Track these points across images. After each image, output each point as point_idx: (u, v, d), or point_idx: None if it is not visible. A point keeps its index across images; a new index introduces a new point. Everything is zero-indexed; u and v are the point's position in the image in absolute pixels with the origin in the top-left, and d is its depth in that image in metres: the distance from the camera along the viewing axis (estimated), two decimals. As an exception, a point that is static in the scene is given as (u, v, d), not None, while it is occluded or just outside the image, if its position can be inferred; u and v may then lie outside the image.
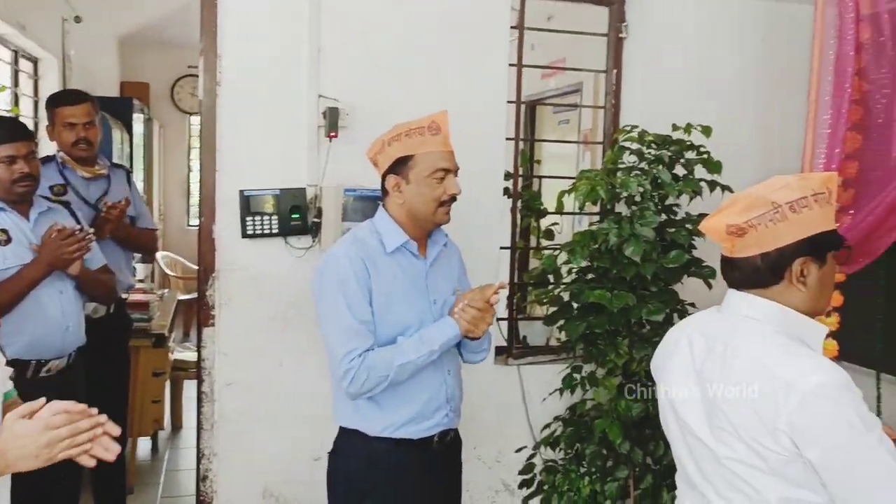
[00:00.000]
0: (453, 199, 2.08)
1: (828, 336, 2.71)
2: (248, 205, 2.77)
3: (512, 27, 3.05)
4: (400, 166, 2.05)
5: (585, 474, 2.66)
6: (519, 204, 3.19)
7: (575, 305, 2.71)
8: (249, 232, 2.78)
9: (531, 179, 3.78)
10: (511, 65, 3.07)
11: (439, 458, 2.15)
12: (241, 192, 2.76)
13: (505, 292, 2.19)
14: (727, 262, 1.62)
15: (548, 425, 2.93)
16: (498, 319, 3.16)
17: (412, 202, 2.05)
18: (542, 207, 3.18)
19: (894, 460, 1.38)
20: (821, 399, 1.38)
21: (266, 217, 2.78)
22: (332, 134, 2.73)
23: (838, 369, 1.43)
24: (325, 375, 2.14)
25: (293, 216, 2.80)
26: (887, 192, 2.34)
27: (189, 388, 4.49)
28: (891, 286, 2.94)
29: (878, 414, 2.70)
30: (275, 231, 2.79)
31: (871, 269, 3.05)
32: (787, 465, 1.44)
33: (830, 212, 1.55)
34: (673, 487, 2.64)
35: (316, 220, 2.80)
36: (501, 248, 3.12)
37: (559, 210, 3.15)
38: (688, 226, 2.60)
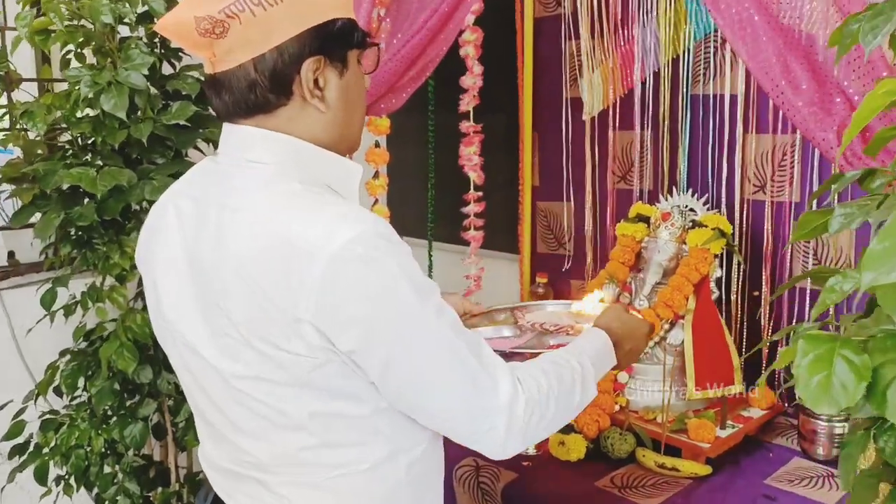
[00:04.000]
0: None
1: (376, 202, 2.37)
2: None
3: None
4: None
5: (101, 422, 1.97)
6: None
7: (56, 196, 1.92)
8: None
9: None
10: None
11: None
12: None
13: None
14: (211, 83, 1.04)
15: (52, 366, 2.15)
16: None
17: None
18: (10, 69, 2.24)
19: (458, 337, 0.97)
20: (352, 262, 0.89)
21: None
22: None
23: (375, 218, 0.96)
24: None
25: None
26: (416, 27, 1.96)
27: None
28: (441, 161, 2.73)
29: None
30: None
31: (421, 145, 2.80)
32: (317, 369, 0.93)
33: None
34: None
35: None
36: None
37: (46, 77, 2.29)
38: (195, 73, 1.96)
